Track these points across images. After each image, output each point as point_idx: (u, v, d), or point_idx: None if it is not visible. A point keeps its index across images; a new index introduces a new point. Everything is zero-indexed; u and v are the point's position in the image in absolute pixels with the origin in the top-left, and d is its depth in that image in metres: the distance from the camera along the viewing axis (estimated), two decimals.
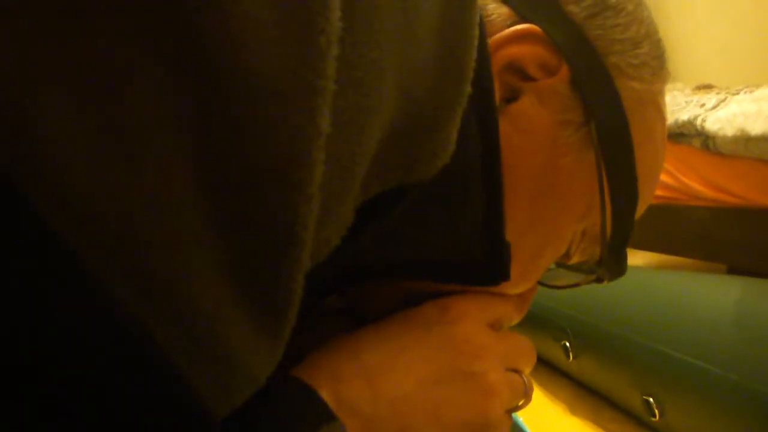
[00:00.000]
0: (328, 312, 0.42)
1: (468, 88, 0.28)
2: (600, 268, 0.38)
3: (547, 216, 0.34)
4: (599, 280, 0.39)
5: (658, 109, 0.37)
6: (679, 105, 1.56)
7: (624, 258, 0.39)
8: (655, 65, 0.36)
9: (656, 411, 0.77)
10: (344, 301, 0.40)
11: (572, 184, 0.34)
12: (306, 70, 0.20)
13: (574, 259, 0.38)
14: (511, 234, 0.32)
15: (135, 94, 0.18)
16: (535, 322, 1.00)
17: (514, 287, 0.36)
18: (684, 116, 1.50)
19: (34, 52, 0.17)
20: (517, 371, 0.35)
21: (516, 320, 0.38)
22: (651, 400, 0.77)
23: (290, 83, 0.20)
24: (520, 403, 0.35)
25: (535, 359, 0.37)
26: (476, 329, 0.34)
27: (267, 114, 0.20)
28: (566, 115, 0.33)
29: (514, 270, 0.33)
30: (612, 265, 0.38)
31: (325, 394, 0.29)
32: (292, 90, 0.20)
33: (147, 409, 0.20)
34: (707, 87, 1.77)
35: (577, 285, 0.41)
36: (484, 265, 0.33)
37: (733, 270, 1.51)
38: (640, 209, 0.38)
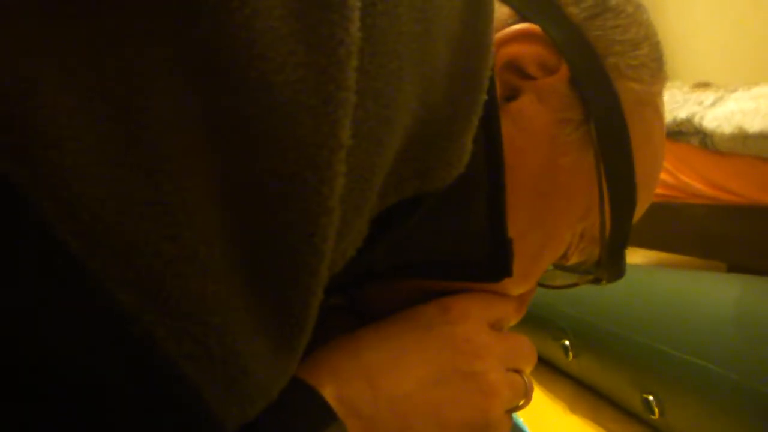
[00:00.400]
0: (329, 311, 0.42)
1: (483, 96, 0.28)
2: (599, 269, 0.38)
3: (547, 215, 0.34)
4: (597, 281, 0.39)
5: (657, 111, 0.37)
6: (677, 103, 1.56)
7: (623, 259, 0.39)
8: (654, 67, 0.36)
9: (656, 409, 0.77)
10: (345, 298, 0.40)
11: (572, 184, 0.34)
12: (326, 81, 0.20)
13: (573, 261, 0.38)
14: (511, 233, 0.32)
15: (150, 106, 0.18)
16: (535, 322, 1.00)
17: (515, 287, 0.36)
18: (682, 114, 1.50)
19: (42, 53, 0.17)
20: (517, 371, 0.35)
21: (514, 321, 0.38)
22: (651, 398, 0.77)
23: (311, 95, 0.20)
24: (521, 403, 0.35)
25: (535, 359, 0.37)
26: (477, 329, 0.34)
27: (288, 127, 0.19)
28: (565, 114, 0.33)
29: (515, 269, 0.33)
30: (611, 266, 0.38)
31: (326, 394, 0.29)
32: (313, 102, 0.20)
33: (153, 415, 0.20)
34: (705, 85, 1.77)
35: (575, 285, 0.41)
36: (488, 262, 0.33)
37: (733, 268, 1.51)
38: (640, 210, 0.38)
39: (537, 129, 0.32)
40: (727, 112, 1.41)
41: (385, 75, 0.23)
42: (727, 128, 1.39)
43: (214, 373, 0.20)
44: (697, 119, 1.46)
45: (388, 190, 0.26)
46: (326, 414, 0.28)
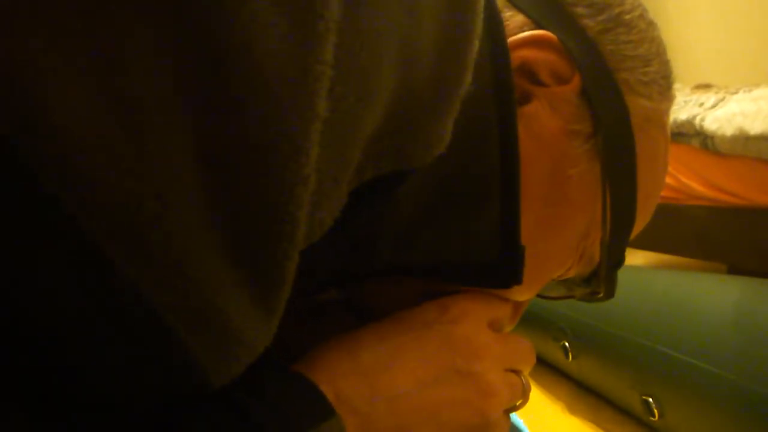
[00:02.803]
0: (329, 308, 0.42)
1: (467, 79, 0.28)
2: (597, 284, 0.38)
3: (553, 225, 0.34)
4: (594, 294, 0.39)
5: (663, 129, 0.37)
6: (678, 104, 1.56)
7: (615, 278, 0.39)
8: (663, 84, 0.36)
9: (655, 411, 0.77)
10: (342, 292, 0.40)
11: (578, 195, 0.34)
12: (304, 54, 0.20)
13: (570, 275, 0.38)
14: (523, 242, 0.32)
15: (137, 70, 0.18)
16: (535, 322, 1.00)
17: (517, 294, 0.36)
18: (683, 116, 1.50)
19: (32, 22, 0.17)
20: (515, 371, 0.35)
21: (508, 328, 0.38)
22: (650, 400, 0.77)
23: (288, 66, 0.20)
24: (518, 403, 0.35)
25: (534, 360, 0.37)
26: (476, 329, 0.34)
27: (265, 95, 0.20)
28: (575, 125, 0.33)
29: (525, 278, 0.33)
30: (605, 283, 0.38)
31: (324, 391, 0.29)
32: (290, 73, 0.20)
33: (140, 368, 0.21)
34: (706, 86, 1.77)
35: (571, 297, 0.41)
36: (498, 267, 0.33)
37: (733, 269, 1.51)
38: (635, 230, 0.38)
39: (547, 136, 0.32)
40: (728, 113, 1.41)
41: (366, 53, 0.23)
42: (728, 130, 1.39)
43: (196, 324, 0.21)
44: (697, 121, 1.46)
45: (366, 164, 0.26)
46: (325, 409, 0.28)
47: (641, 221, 0.38)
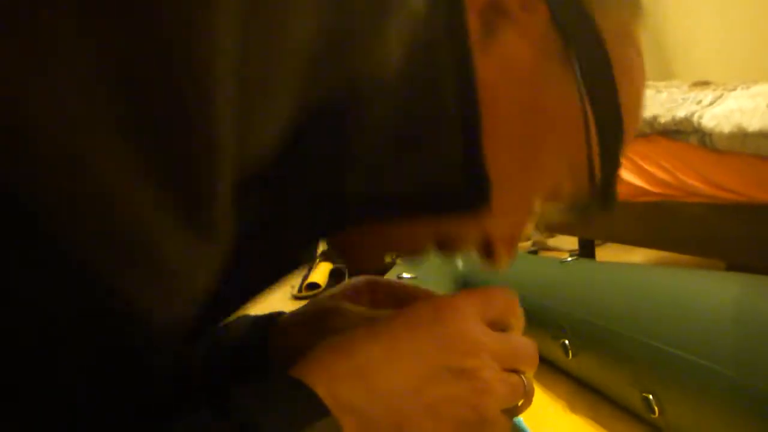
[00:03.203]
0: (327, 311, 0.42)
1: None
2: (590, 200, 0.39)
3: (533, 149, 0.35)
4: (589, 210, 0.40)
5: (635, 46, 0.38)
6: (676, 102, 1.56)
7: (614, 193, 0.39)
8: (632, 4, 0.38)
9: (655, 408, 0.77)
10: (328, 244, 0.40)
11: (557, 117, 0.35)
12: None
13: (566, 192, 0.39)
14: (498, 168, 0.33)
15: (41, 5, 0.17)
16: (534, 321, 1.00)
17: (505, 220, 0.37)
18: (681, 113, 1.50)
19: None
20: (517, 372, 0.35)
21: (518, 330, 0.38)
22: (650, 397, 0.77)
23: None
24: (520, 403, 0.35)
25: (537, 361, 0.37)
26: (470, 327, 0.34)
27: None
28: (548, 51, 0.34)
29: (504, 204, 0.34)
30: (601, 199, 0.39)
31: (321, 392, 0.29)
32: None
33: (83, 323, 0.21)
34: (704, 83, 1.77)
35: (572, 217, 0.42)
36: (464, 189, 0.34)
37: (732, 266, 1.51)
38: (627, 138, 0.38)
39: (519, 66, 0.34)
40: (726, 110, 1.41)
41: None
42: (726, 127, 1.39)
43: (129, 264, 0.21)
44: (695, 118, 1.46)
45: (309, 84, 0.25)
46: (318, 409, 0.28)
47: (630, 130, 0.38)
